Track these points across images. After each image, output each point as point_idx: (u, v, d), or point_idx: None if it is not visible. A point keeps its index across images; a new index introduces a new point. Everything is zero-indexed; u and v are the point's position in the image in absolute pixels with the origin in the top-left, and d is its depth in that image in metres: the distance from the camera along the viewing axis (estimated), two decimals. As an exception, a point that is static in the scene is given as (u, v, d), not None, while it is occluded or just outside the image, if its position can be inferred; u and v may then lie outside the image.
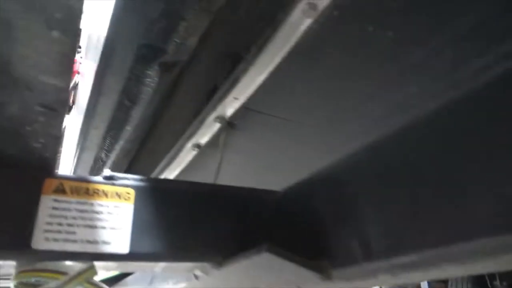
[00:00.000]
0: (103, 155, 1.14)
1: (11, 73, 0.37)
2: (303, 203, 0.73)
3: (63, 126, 0.50)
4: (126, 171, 1.29)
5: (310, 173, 0.76)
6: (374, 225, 0.50)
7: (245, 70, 0.80)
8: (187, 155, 1.16)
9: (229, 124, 1.01)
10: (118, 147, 1.09)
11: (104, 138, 1.07)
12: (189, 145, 1.12)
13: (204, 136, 1.07)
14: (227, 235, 0.70)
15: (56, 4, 0.30)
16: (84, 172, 1.26)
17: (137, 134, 1.06)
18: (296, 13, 0.66)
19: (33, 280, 0.56)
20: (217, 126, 1.01)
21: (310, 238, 0.63)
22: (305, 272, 0.55)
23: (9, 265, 0.58)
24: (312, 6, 0.64)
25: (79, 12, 0.32)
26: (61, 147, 0.55)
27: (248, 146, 1.11)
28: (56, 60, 0.36)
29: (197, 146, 1.12)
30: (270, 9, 0.70)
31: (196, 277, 0.77)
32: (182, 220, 0.68)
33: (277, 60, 0.76)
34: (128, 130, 1.00)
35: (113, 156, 1.15)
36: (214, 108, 0.95)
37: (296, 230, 0.68)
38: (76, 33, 0.34)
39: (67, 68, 0.37)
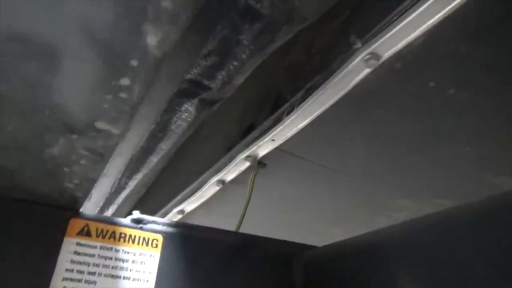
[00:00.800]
0: (123, 182, 1.09)
1: (60, 116, 0.32)
2: (336, 267, 0.66)
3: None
4: (143, 200, 1.24)
5: (347, 238, 0.70)
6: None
7: (288, 114, 0.76)
8: (210, 190, 1.11)
9: (259, 164, 0.96)
10: (139, 176, 1.04)
11: (127, 166, 1.02)
12: (213, 180, 1.06)
13: (231, 174, 1.02)
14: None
15: (133, 50, 0.26)
16: (98, 197, 1.21)
17: (161, 165, 1.01)
18: (356, 62, 0.61)
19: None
20: (246, 164, 0.96)
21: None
22: None
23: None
24: (375, 56, 0.60)
25: (157, 58, 0.27)
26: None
27: (276, 188, 1.05)
28: (119, 107, 0.31)
29: (222, 182, 1.06)
30: (327, 54, 0.66)
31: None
32: (210, 271, 0.61)
33: (324, 107, 0.72)
34: (153, 161, 0.96)
35: (132, 184, 1.10)
36: (247, 146, 0.90)
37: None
38: (147, 81, 0.29)
39: (128, 115, 0.33)
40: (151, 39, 0.28)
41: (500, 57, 0.59)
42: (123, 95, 0.30)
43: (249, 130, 0.88)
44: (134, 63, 0.28)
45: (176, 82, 0.70)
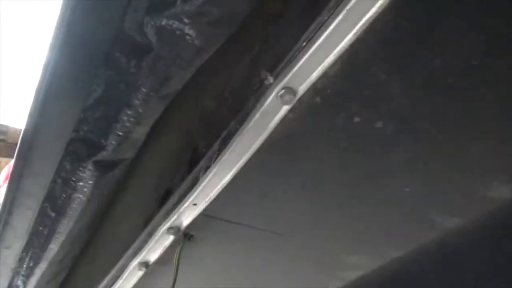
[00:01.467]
0: (19, 283, 0.88)
1: None
2: None
3: None
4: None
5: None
6: None
7: (206, 170, 0.65)
8: (132, 276, 0.93)
9: (185, 236, 0.82)
10: (39, 271, 0.84)
11: (21, 260, 0.82)
12: (134, 263, 0.89)
13: (153, 252, 0.86)
14: None
15: None
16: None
17: (66, 253, 0.83)
18: (271, 100, 0.54)
19: None
20: (170, 238, 0.82)
21: None
22: None
23: None
24: (290, 91, 0.52)
25: None
26: None
27: (208, 260, 0.90)
28: None
29: (145, 264, 0.90)
30: (238, 96, 0.58)
31: None
32: None
33: (245, 157, 0.62)
34: (53, 249, 0.78)
35: (33, 282, 0.89)
36: (167, 216, 0.76)
37: None
38: None
39: None
40: None
41: (426, 80, 0.54)
42: None
43: (167, 197, 0.75)
44: None
45: (60, 145, 0.57)
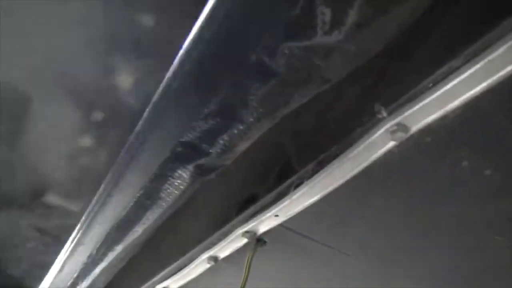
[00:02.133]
0: (101, 253, 0.96)
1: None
2: None
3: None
4: (122, 274, 1.10)
5: None
6: None
7: (296, 187, 0.66)
8: (199, 267, 0.97)
9: (258, 241, 0.84)
10: (120, 247, 0.91)
11: (108, 235, 0.89)
12: (204, 256, 0.93)
13: (225, 250, 0.89)
14: None
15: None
16: (72, 268, 1.06)
17: (146, 236, 0.89)
18: (380, 134, 0.53)
19: None
20: (243, 241, 0.84)
21: None
22: None
23: None
24: (402, 128, 0.51)
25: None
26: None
27: (276, 268, 0.92)
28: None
29: (215, 259, 0.94)
30: (345, 123, 0.58)
31: None
32: None
33: (339, 182, 0.62)
34: (137, 231, 0.84)
35: (111, 255, 0.96)
36: (245, 221, 0.79)
37: None
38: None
39: (90, 190, 0.24)
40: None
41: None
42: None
43: (249, 203, 0.78)
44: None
45: (170, 145, 0.61)
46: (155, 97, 0.57)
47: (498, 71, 0.43)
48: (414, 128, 0.52)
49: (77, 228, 0.84)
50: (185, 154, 0.61)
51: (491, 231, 0.65)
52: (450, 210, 0.64)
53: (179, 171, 0.65)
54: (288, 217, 0.73)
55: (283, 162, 0.69)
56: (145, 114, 0.59)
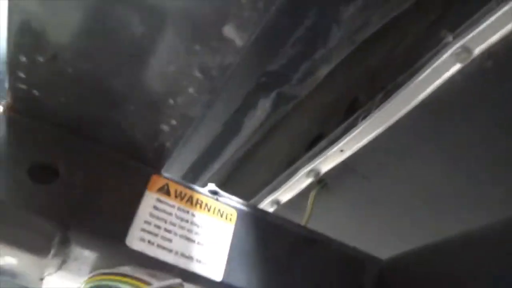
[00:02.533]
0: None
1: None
2: (417, 274, 0.60)
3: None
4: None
5: (418, 244, 0.64)
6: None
7: (364, 118, 0.75)
8: (262, 211, 1.07)
9: (320, 182, 0.93)
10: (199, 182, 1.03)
11: (185, 176, 1.01)
12: (268, 200, 1.03)
13: (288, 192, 0.98)
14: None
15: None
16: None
17: (220, 175, 0.99)
18: (447, 57, 0.61)
19: (108, 284, 0.47)
20: (307, 181, 0.93)
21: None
22: None
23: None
24: (466, 50, 0.59)
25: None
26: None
27: (335, 211, 1.00)
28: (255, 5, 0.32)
29: (277, 203, 1.03)
30: (413, 53, 0.66)
31: None
32: (280, 260, 0.57)
33: (404, 111, 0.70)
34: (215, 168, 0.95)
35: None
36: (312, 159, 0.88)
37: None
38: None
39: (258, 21, 0.34)
40: None
41: None
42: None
43: (316, 141, 0.87)
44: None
45: (255, 73, 0.71)
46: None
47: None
48: (477, 50, 0.59)
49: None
50: (269, 82, 0.72)
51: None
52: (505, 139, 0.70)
53: (262, 100, 0.75)
54: (353, 151, 0.81)
55: (352, 99, 0.78)
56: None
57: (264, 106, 0.76)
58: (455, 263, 0.52)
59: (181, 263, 0.49)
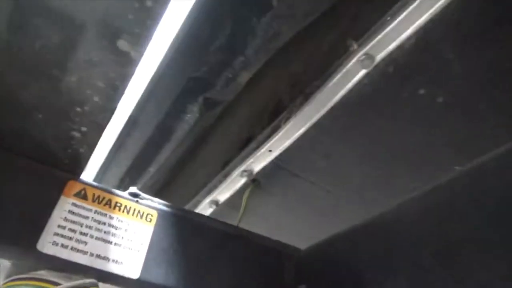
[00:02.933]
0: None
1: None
2: (327, 262, 0.65)
3: (112, 114, 0.47)
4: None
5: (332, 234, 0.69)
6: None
7: (286, 120, 0.79)
8: (202, 212, 1.10)
9: (254, 182, 0.97)
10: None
11: (122, 180, 1.02)
12: (206, 201, 1.06)
13: (225, 192, 1.02)
14: (247, 282, 0.61)
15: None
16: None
17: (155, 179, 1.01)
18: (353, 63, 0.67)
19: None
20: (241, 181, 0.97)
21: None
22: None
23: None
24: (369, 57, 0.65)
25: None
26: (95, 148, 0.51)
27: (269, 209, 1.05)
28: (143, 20, 0.34)
29: (216, 203, 1.06)
30: (326, 60, 0.71)
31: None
32: (200, 257, 0.60)
33: (321, 112, 0.75)
34: (150, 172, 0.96)
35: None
36: (243, 160, 0.92)
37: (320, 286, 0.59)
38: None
39: (149, 32, 0.36)
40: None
41: (490, 65, 0.64)
42: (149, 2, 0.34)
43: (247, 143, 0.91)
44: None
45: (181, 80, 0.74)
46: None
47: (437, 2, 0.57)
48: (379, 57, 0.65)
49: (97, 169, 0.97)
50: (194, 87, 0.75)
51: (449, 155, 0.78)
52: (416, 137, 0.77)
53: (190, 105, 0.78)
54: (280, 151, 0.85)
55: (276, 102, 0.83)
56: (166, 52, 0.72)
57: (192, 110, 0.79)
58: (355, 251, 0.57)
59: (97, 264, 0.51)
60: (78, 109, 0.45)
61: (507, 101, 0.69)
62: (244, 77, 0.71)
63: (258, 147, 0.87)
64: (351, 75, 0.68)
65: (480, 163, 0.46)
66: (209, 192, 1.04)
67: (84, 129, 0.48)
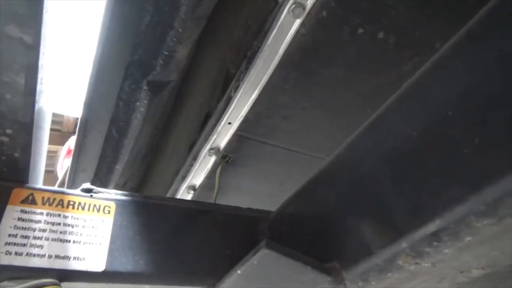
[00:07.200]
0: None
1: None
2: (298, 216, 0.64)
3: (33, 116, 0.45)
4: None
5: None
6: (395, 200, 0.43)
7: (236, 89, 0.78)
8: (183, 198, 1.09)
9: (224, 158, 0.96)
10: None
11: (93, 183, 1.00)
12: (184, 187, 1.05)
13: (199, 175, 1.01)
14: (220, 255, 0.61)
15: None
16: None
17: (128, 176, 1.00)
18: (284, 15, 0.65)
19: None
20: (211, 161, 0.96)
21: (313, 245, 0.54)
22: (311, 274, 0.46)
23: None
24: (299, 5, 0.64)
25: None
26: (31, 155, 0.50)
27: (246, 183, 1.04)
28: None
29: (193, 188, 1.05)
30: (261, 20, 0.69)
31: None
32: (168, 238, 0.59)
33: (268, 73, 0.74)
34: (118, 169, 0.95)
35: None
36: (207, 138, 0.90)
37: (295, 242, 0.59)
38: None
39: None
40: None
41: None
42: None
43: (206, 120, 0.89)
44: None
45: (120, 68, 0.72)
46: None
47: None
48: (309, 4, 0.64)
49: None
50: (135, 74, 0.73)
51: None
52: (368, 81, 0.76)
53: (135, 93, 0.76)
54: (239, 122, 0.84)
55: (226, 72, 0.81)
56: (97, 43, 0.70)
57: (140, 97, 0.77)
58: (316, 199, 0.57)
59: (57, 264, 0.50)
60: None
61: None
62: (182, 52, 0.70)
63: (217, 122, 0.86)
64: (287, 27, 0.67)
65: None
66: (183, 178, 1.03)
67: (9, 131, 0.47)
